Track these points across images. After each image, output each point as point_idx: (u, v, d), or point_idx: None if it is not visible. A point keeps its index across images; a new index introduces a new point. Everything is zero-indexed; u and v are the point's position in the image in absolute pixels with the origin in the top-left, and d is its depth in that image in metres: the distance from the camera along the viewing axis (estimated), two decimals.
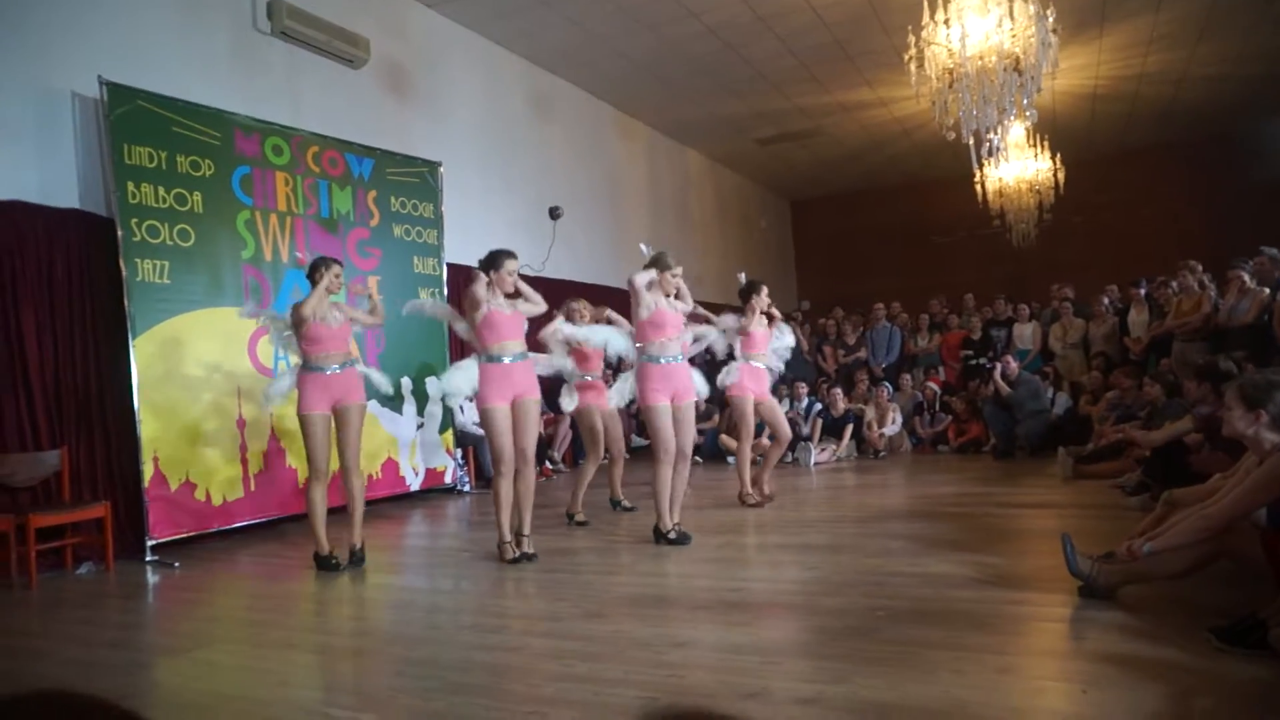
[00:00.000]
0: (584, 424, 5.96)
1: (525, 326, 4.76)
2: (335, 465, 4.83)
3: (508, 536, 4.61)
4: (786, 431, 6.20)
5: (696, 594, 3.81)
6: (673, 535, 4.83)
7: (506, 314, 4.63)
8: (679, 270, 5.06)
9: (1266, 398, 2.88)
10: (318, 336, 4.68)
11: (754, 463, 6.32)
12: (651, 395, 4.87)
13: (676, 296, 5.11)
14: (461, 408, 7.42)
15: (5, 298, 4.97)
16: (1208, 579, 3.23)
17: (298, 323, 4.65)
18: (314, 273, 4.76)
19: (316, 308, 4.65)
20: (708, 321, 5.90)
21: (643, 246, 5.11)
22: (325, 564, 4.67)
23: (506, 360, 4.59)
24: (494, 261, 4.64)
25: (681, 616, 3.44)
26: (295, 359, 4.89)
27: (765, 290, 6.03)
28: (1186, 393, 5.72)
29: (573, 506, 5.76)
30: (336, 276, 4.77)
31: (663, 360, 4.90)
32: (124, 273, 5.30)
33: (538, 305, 4.82)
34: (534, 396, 4.71)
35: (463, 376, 4.67)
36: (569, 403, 5.78)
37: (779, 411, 6.33)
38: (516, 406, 4.63)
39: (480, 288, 4.51)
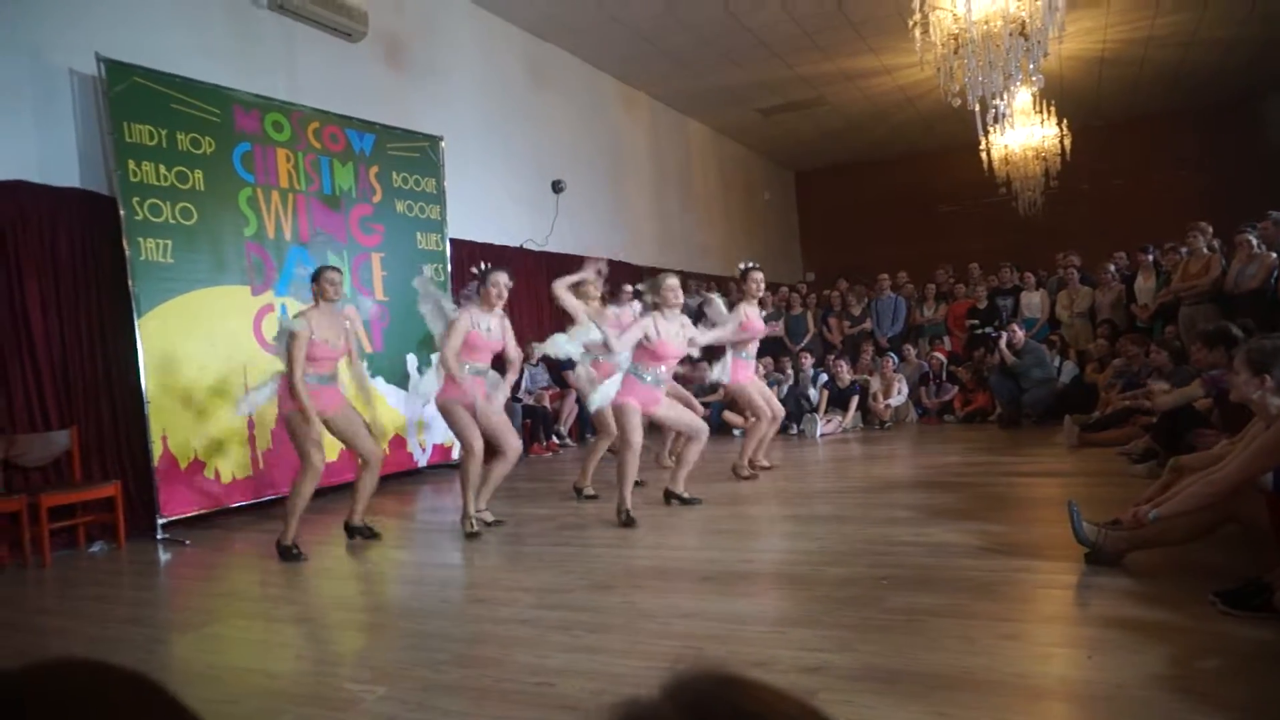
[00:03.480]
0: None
1: (499, 350, 4.94)
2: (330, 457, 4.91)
3: (472, 511, 4.77)
4: (780, 407, 6.35)
5: (703, 565, 3.83)
6: (624, 518, 4.78)
7: (486, 337, 4.80)
8: (680, 296, 5.00)
9: (1273, 362, 2.87)
10: (317, 356, 4.56)
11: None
12: (623, 396, 4.92)
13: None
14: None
15: (10, 278, 4.98)
16: (1213, 544, 3.25)
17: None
18: (313, 279, 4.71)
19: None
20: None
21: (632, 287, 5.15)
22: (287, 554, 4.50)
23: (469, 373, 4.77)
24: (484, 276, 4.86)
25: (688, 588, 3.46)
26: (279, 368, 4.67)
27: (755, 277, 5.98)
28: (1194, 358, 5.69)
29: (581, 481, 5.78)
30: (331, 284, 4.62)
31: (647, 379, 4.94)
32: (127, 252, 5.30)
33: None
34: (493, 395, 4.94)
35: (428, 384, 4.88)
36: (584, 378, 5.77)
37: (767, 389, 6.47)
38: (481, 410, 4.78)
39: (463, 320, 4.71)
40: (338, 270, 4.79)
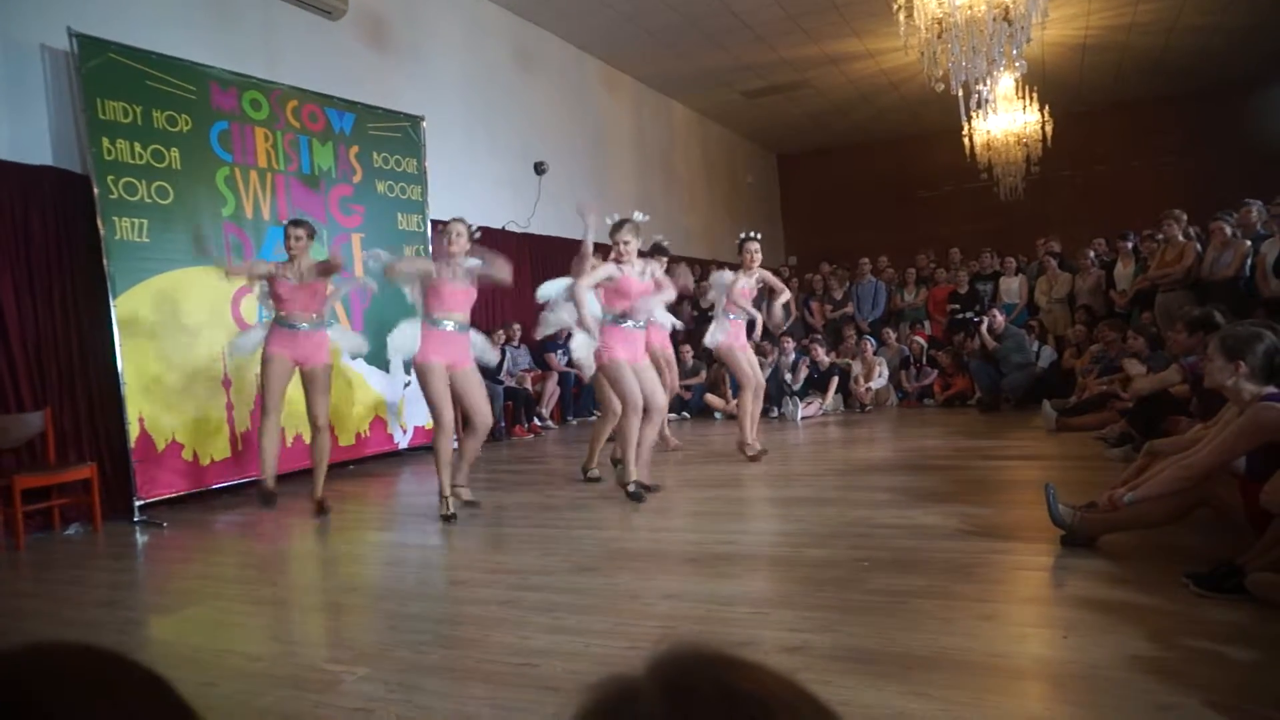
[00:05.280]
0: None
1: (472, 301, 4.85)
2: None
3: (447, 491, 4.73)
4: (762, 379, 6.40)
5: (685, 547, 3.85)
6: (631, 489, 4.86)
7: (450, 283, 4.73)
8: (629, 239, 4.91)
9: (1246, 349, 2.91)
10: (281, 295, 4.94)
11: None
12: (611, 352, 4.90)
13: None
14: None
15: None
16: (1187, 527, 3.30)
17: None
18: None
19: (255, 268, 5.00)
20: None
21: (632, 217, 5.03)
22: (268, 499, 5.02)
23: (448, 327, 4.73)
24: (444, 228, 4.84)
25: (670, 569, 3.48)
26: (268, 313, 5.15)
27: (753, 247, 6.05)
28: (1171, 345, 5.76)
29: (589, 462, 5.74)
30: (297, 240, 4.98)
31: (625, 324, 4.94)
32: (102, 231, 5.22)
33: (494, 267, 4.87)
34: (471, 365, 4.88)
35: (405, 336, 4.75)
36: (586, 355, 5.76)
37: (754, 359, 6.49)
38: (456, 376, 4.76)
39: (429, 262, 4.72)
40: (297, 224, 5.06)
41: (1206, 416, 3.89)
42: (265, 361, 4.97)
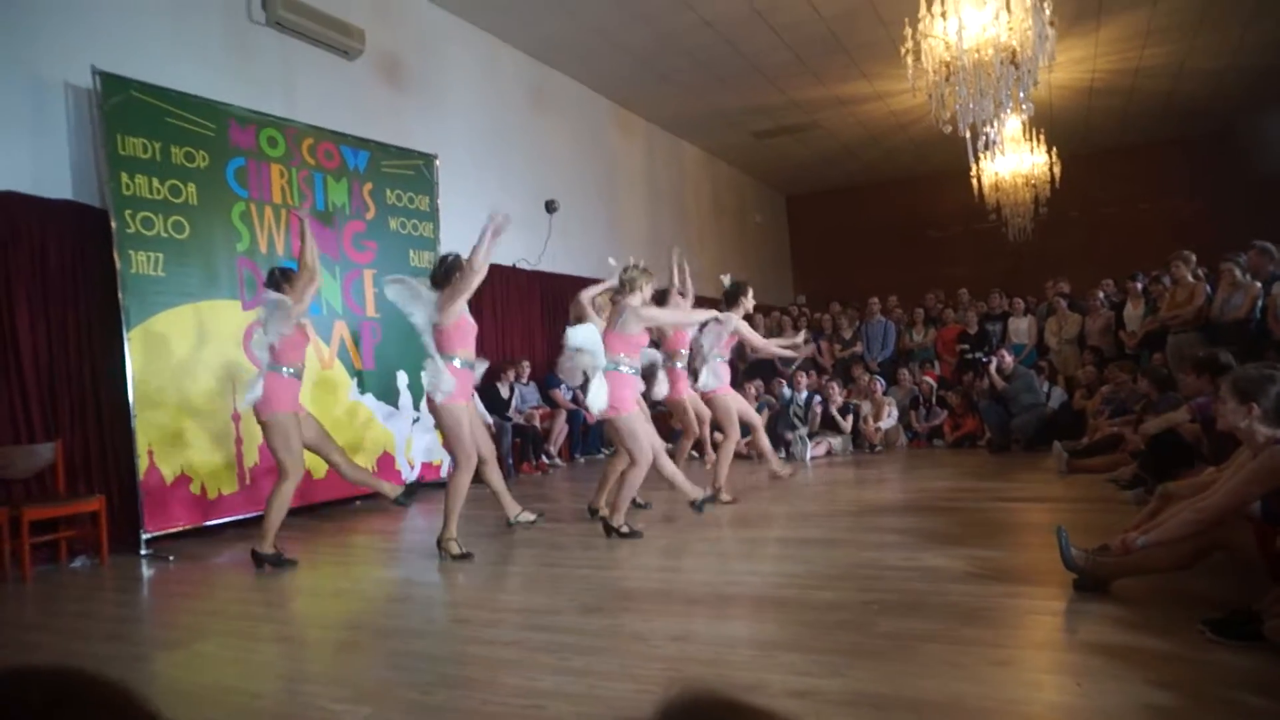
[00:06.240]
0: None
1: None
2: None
3: (455, 532, 4.69)
4: (757, 417, 6.45)
5: (692, 588, 3.81)
6: (625, 530, 4.93)
7: (472, 321, 4.81)
8: (648, 292, 5.13)
9: (1260, 391, 2.89)
10: (298, 342, 4.79)
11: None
12: (629, 404, 4.94)
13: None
14: None
15: None
16: (1201, 571, 3.25)
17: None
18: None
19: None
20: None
21: (611, 260, 5.09)
22: (278, 561, 4.67)
23: (465, 367, 4.75)
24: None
25: (677, 610, 3.44)
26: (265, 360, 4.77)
27: (750, 291, 6.10)
28: (1182, 386, 5.73)
29: (596, 501, 5.66)
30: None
31: (625, 370, 4.97)
32: (118, 265, 5.28)
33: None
34: (474, 401, 5.04)
35: (448, 379, 4.62)
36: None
37: (745, 400, 6.51)
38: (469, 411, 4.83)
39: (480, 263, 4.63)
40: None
41: (1219, 459, 3.86)
42: (281, 421, 4.66)
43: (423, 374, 4.67)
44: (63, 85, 5.33)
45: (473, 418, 4.91)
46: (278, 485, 4.72)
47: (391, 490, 5.35)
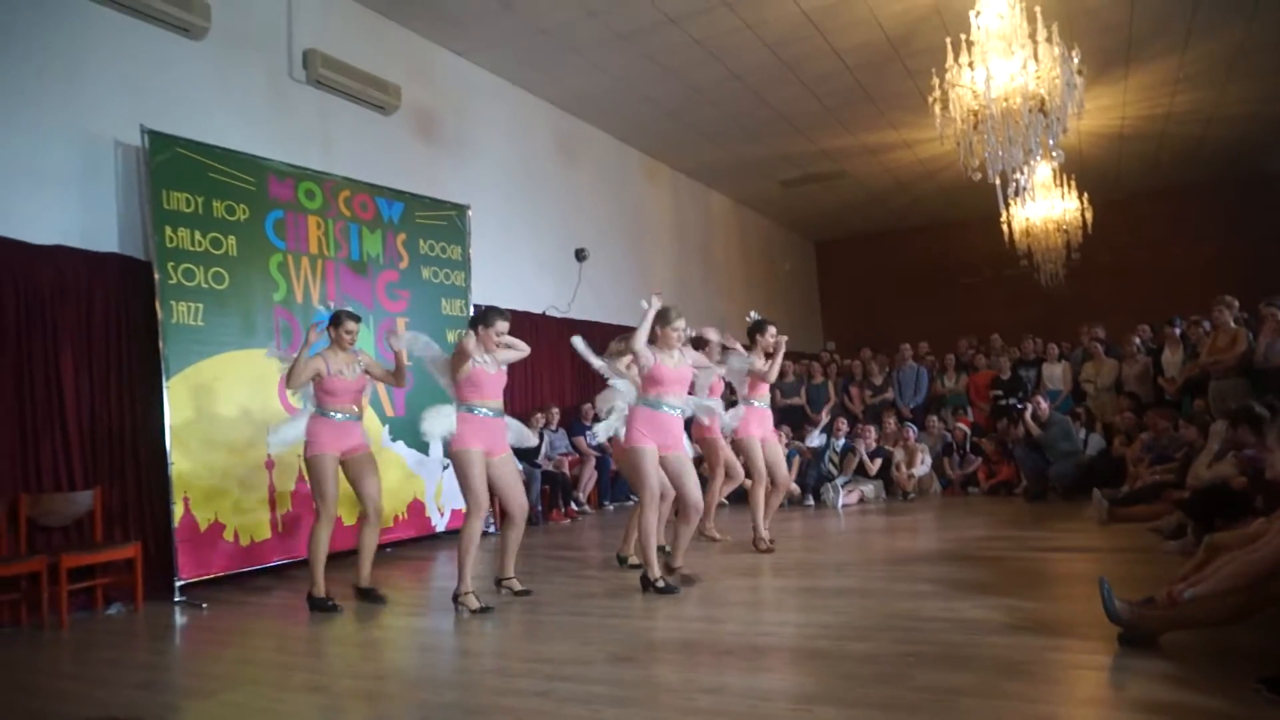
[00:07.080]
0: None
1: (504, 384, 4.77)
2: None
3: (469, 586, 4.55)
4: (786, 476, 6.28)
5: (725, 638, 3.75)
6: (660, 585, 4.68)
7: (490, 373, 4.67)
8: (680, 324, 4.88)
9: None
10: (334, 389, 4.85)
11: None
12: (637, 437, 4.78)
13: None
14: None
15: (46, 340, 5.08)
16: (1254, 626, 3.14)
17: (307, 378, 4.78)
18: (331, 324, 4.92)
19: (304, 370, 4.72)
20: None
21: (643, 303, 4.79)
22: (322, 605, 4.74)
23: (484, 414, 4.64)
24: (485, 318, 4.71)
25: (710, 661, 3.38)
26: (310, 405, 4.98)
27: (772, 330, 5.97)
28: (1226, 435, 5.59)
29: (624, 548, 5.64)
30: (349, 333, 4.92)
31: (662, 408, 4.81)
32: (159, 315, 5.41)
33: (520, 350, 4.87)
34: (507, 453, 4.78)
35: (441, 421, 4.61)
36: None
37: (781, 454, 6.33)
38: (493, 463, 4.65)
39: (470, 342, 4.53)
40: (357, 320, 5.00)
41: (1271, 509, 3.75)
42: (317, 463, 4.76)
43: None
44: (113, 143, 5.53)
45: (509, 474, 4.78)
46: (311, 528, 4.86)
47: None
